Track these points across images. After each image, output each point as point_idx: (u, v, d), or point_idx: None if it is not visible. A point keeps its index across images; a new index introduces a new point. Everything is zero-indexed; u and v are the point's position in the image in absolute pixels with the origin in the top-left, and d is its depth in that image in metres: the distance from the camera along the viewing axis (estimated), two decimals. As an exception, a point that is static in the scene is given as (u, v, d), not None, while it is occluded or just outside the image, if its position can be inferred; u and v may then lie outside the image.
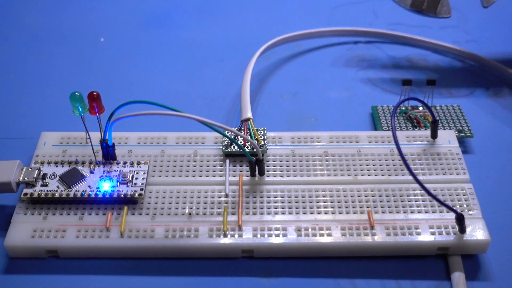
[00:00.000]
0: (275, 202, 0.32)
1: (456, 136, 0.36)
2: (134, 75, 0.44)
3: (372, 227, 0.31)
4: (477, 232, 0.31)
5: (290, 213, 0.32)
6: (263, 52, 0.42)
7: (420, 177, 0.33)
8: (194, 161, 0.34)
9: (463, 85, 0.43)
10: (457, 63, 0.45)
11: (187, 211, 0.32)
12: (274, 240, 0.31)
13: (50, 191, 0.32)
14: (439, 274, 0.31)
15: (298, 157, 0.35)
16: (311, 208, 0.32)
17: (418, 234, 0.31)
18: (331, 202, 0.32)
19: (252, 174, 0.33)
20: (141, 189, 0.32)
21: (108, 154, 0.33)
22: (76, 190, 0.32)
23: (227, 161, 0.34)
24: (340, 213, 0.32)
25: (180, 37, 0.48)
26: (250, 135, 0.35)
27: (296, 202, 0.32)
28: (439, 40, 0.46)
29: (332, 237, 0.31)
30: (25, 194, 0.32)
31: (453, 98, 0.42)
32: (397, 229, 0.31)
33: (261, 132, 0.36)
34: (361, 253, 0.31)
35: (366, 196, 0.33)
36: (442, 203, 0.30)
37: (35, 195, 0.31)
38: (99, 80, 0.43)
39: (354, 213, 0.32)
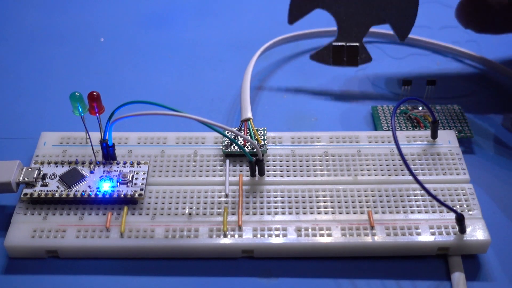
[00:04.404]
0: (275, 202, 0.32)
1: (456, 136, 0.36)
2: (134, 75, 0.44)
3: (372, 227, 0.31)
4: (477, 232, 0.31)
5: (290, 213, 0.32)
6: (263, 52, 0.42)
7: (420, 177, 0.33)
8: (194, 161, 0.34)
9: (463, 85, 0.43)
10: (457, 63, 0.45)
11: (187, 211, 0.32)
12: (274, 240, 0.31)
13: (50, 191, 0.32)
14: (439, 274, 0.31)
15: (298, 157, 0.35)
16: (311, 208, 0.32)
17: (418, 234, 0.31)
18: (331, 202, 0.32)
19: (252, 174, 0.33)
20: (141, 189, 0.32)
21: (108, 154, 0.33)
22: (76, 190, 0.32)
23: (227, 161, 0.34)
24: (340, 213, 0.32)
25: (180, 37, 0.48)
26: (250, 135, 0.35)
27: (296, 202, 0.32)
28: (439, 40, 0.46)
29: (332, 237, 0.31)
30: (25, 194, 0.32)
31: (453, 98, 0.42)
32: (397, 229, 0.31)
33: (261, 132, 0.36)
34: (361, 253, 0.31)
35: (366, 196, 0.33)
36: (442, 203, 0.30)
37: (35, 195, 0.31)
38: (99, 80, 0.43)
39: (354, 213, 0.32)
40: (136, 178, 0.33)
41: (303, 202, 0.32)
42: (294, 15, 0.40)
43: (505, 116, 0.40)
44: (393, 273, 0.31)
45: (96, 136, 0.34)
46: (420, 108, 0.39)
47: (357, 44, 0.40)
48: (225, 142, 0.35)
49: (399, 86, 0.39)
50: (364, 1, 0.39)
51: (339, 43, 0.40)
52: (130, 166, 0.33)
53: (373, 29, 0.47)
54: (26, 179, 0.32)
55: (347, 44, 0.40)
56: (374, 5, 0.39)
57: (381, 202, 0.32)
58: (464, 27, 0.41)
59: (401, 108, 0.39)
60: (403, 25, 0.40)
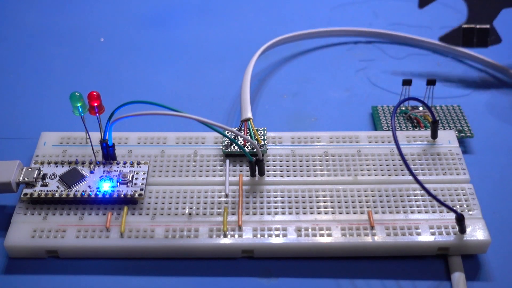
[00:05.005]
0: (275, 202, 0.32)
1: (456, 136, 0.36)
2: (134, 75, 0.44)
3: (372, 227, 0.31)
4: (477, 232, 0.31)
5: (290, 213, 0.32)
6: (263, 52, 0.42)
7: (420, 177, 0.33)
8: (194, 161, 0.34)
9: (463, 85, 0.43)
10: (457, 63, 0.45)
11: (187, 211, 0.32)
12: (274, 240, 0.31)
13: (50, 191, 0.32)
14: (439, 274, 0.31)
15: (298, 157, 0.35)
16: (311, 208, 0.32)
17: (418, 234, 0.31)
18: (331, 202, 0.32)
19: (252, 174, 0.33)
20: (141, 189, 0.32)
21: (108, 154, 0.33)
22: (76, 190, 0.32)
23: (227, 161, 0.34)
24: (340, 213, 0.32)
25: (180, 37, 0.48)
26: (250, 135, 0.35)
27: (296, 202, 0.32)
28: (439, 40, 0.46)
29: (332, 237, 0.31)
30: (25, 194, 0.32)
31: (453, 98, 0.42)
32: (397, 229, 0.31)
33: (261, 132, 0.36)
34: (361, 253, 0.31)
35: (366, 196, 0.33)
36: (442, 203, 0.30)
37: (35, 195, 0.31)
38: (99, 80, 0.43)
39: (354, 213, 0.32)
40: (136, 178, 0.33)
41: (303, 202, 0.32)
42: (425, 0, 0.41)
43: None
44: (393, 273, 0.31)
45: (96, 136, 0.34)
46: (420, 108, 0.39)
47: (487, 26, 0.40)
48: (225, 142, 0.35)
49: (399, 86, 0.39)
50: None
51: (470, 25, 0.41)
52: (130, 166, 0.33)
53: (372, 29, 0.47)
54: (26, 179, 0.32)
55: (477, 26, 0.40)
56: None
57: (381, 202, 0.32)
58: None
59: (401, 108, 0.39)
60: None
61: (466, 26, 0.41)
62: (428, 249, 0.31)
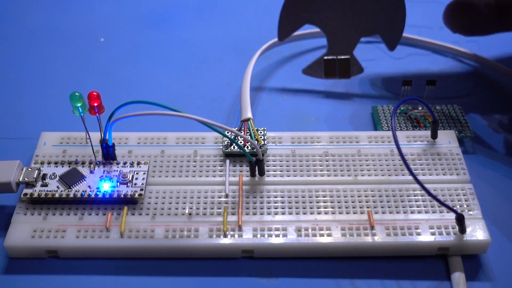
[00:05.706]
0: (275, 202, 0.32)
1: (456, 136, 0.36)
2: (134, 75, 0.44)
3: (372, 227, 0.31)
4: (477, 232, 0.31)
5: (290, 213, 0.32)
6: (263, 52, 0.42)
7: (420, 177, 0.33)
8: (194, 161, 0.34)
9: (463, 85, 0.43)
10: (457, 63, 0.45)
11: (187, 211, 0.32)
12: (274, 240, 0.31)
13: (50, 191, 0.32)
14: (439, 274, 0.31)
15: (298, 157, 0.35)
16: (311, 208, 0.32)
17: (418, 234, 0.31)
18: (331, 202, 0.32)
19: (252, 174, 0.33)
20: (141, 189, 0.32)
21: (108, 154, 0.33)
22: (76, 190, 0.32)
23: (227, 161, 0.34)
24: (340, 213, 0.32)
25: (180, 37, 0.48)
26: (250, 135, 0.35)
27: (296, 202, 0.32)
28: (439, 40, 0.46)
29: (332, 237, 0.31)
30: (25, 194, 0.32)
31: (453, 98, 0.42)
32: (397, 229, 0.31)
33: (261, 132, 0.36)
34: (361, 253, 0.31)
35: (366, 196, 0.33)
36: (442, 203, 0.30)
37: (35, 195, 0.31)
38: (99, 80, 0.43)
39: (354, 213, 0.32)
40: (136, 178, 0.33)
41: (303, 202, 0.32)
42: (284, 32, 0.41)
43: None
44: (393, 273, 0.31)
45: (96, 136, 0.34)
46: (420, 108, 0.39)
47: (348, 56, 0.40)
48: (225, 142, 0.35)
49: (399, 86, 0.39)
50: (352, 14, 0.40)
51: (330, 57, 0.41)
52: (130, 166, 0.33)
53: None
54: (26, 179, 0.32)
55: (338, 57, 0.40)
56: (362, 18, 0.40)
57: (381, 202, 0.32)
58: (453, 32, 0.41)
59: (401, 108, 0.39)
60: (391, 35, 0.40)
61: (327, 57, 0.41)
62: (428, 249, 0.31)
